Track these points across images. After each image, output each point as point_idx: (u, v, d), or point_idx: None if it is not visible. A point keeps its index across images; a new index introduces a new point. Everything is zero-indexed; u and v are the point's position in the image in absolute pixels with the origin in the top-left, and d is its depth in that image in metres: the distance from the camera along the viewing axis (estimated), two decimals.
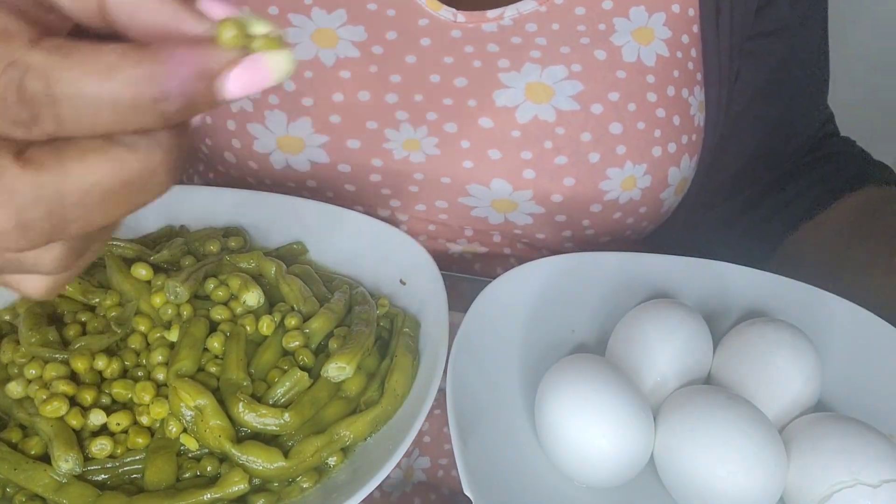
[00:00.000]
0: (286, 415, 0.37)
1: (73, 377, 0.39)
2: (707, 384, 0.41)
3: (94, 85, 0.21)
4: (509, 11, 0.53)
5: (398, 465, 0.44)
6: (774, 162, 0.63)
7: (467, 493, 0.34)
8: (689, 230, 0.63)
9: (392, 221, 0.55)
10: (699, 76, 0.56)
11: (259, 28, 0.23)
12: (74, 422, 0.37)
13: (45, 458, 0.36)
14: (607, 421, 0.36)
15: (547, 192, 0.52)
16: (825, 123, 0.65)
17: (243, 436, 0.38)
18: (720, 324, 0.45)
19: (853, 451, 0.35)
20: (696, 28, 0.56)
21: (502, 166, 0.52)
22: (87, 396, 0.38)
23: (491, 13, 0.53)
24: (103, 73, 0.21)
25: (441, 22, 0.53)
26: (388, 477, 0.35)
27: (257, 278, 0.45)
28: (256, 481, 0.37)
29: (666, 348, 0.40)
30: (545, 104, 0.51)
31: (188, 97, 0.22)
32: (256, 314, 0.42)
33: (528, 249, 0.58)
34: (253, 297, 0.43)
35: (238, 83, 0.22)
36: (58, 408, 0.37)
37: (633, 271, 0.47)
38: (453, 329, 0.41)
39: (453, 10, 0.53)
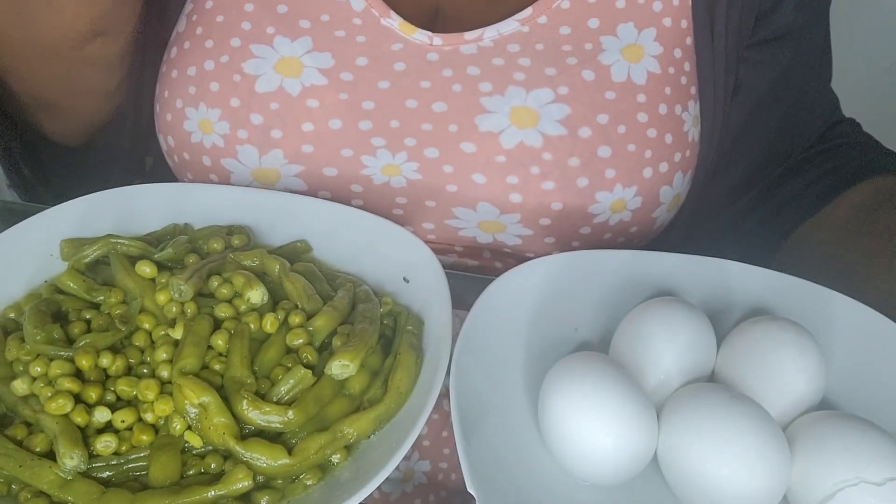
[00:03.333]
0: (290, 412, 0.38)
1: (78, 374, 0.39)
2: (710, 382, 0.41)
3: None
4: (489, 32, 0.51)
5: (398, 467, 0.44)
6: (779, 163, 0.62)
7: (471, 490, 0.34)
8: (693, 234, 0.62)
9: None
10: (693, 89, 0.54)
11: None
12: (79, 419, 0.37)
13: (50, 456, 0.37)
14: (610, 419, 0.36)
15: (535, 215, 0.51)
16: (831, 113, 0.63)
17: (247, 433, 0.38)
18: (724, 321, 0.45)
19: (857, 450, 0.35)
20: (689, 40, 0.54)
21: (487, 190, 0.50)
22: (92, 394, 0.38)
23: (469, 35, 0.51)
24: None
25: (416, 46, 0.51)
26: (387, 478, 0.35)
27: (261, 276, 0.45)
28: (260, 478, 0.37)
29: (669, 346, 0.40)
30: (531, 129, 0.49)
31: None
32: (260, 312, 0.42)
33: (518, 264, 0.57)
34: (257, 295, 0.43)
35: None
36: (63, 405, 0.37)
37: (637, 269, 0.47)
38: (456, 327, 0.41)
39: (429, 33, 0.51)
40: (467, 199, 0.51)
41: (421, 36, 0.51)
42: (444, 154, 0.50)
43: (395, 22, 0.52)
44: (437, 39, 0.51)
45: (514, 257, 0.56)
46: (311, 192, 0.52)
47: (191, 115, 0.52)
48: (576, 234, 0.52)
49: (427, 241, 0.54)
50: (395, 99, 0.51)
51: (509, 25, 0.51)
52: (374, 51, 0.51)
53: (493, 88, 0.50)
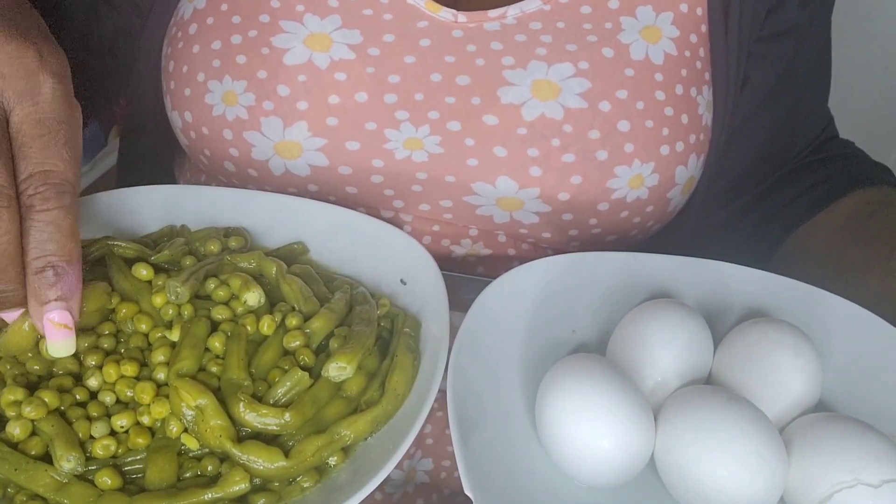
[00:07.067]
0: (287, 414, 0.37)
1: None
2: (708, 384, 0.41)
3: None
4: (512, 10, 0.53)
5: (400, 467, 0.44)
6: (776, 164, 0.63)
7: (468, 492, 0.34)
8: (692, 233, 0.63)
9: (396, 222, 0.55)
10: (707, 76, 0.56)
11: None
12: (81, 433, 0.37)
13: (46, 458, 0.36)
14: (608, 421, 0.36)
15: (554, 190, 0.52)
16: (827, 126, 0.65)
17: (244, 435, 0.38)
18: (721, 323, 0.45)
19: (854, 451, 0.35)
20: (704, 27, 0.56)
21: (508, 164, 0.51)
22: (96, 411, 0.38)
23: (493, 12, 0.53)
24: None
25: (441, 23, 0.53)
26: (389, 478, 0.35)
27: (258, 278, 0.45)
28: (257, 481, 0.37)
29: (666, 348, 0.40)
30: (552, 101, 0.51)
31: None
32: (257, 314, 0.42)
33: (533, 250, 0.57)
34: (254, 297, 0.43)
35: None
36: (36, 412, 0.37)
37: (634, 271, 0.47)
38: (454, 329, 0.41)
39: (454, 11, 0.53)
40: (487, 174, 0.52)
41: (446, 14, 0.53)
42: (466, 127, 0.52)
43: (420, 1, 0.53)
44: (462, 17, 0.53)
45: (529, 240, 0.57)
46: (333, 167, 0.52)
47: (214, 88, 0.53)
48: (593, 210, 0.53)
49: (442, 223, 0.55)
50: (420, 73, 0.52)
51: (532, 4, 0.53)
52: (401, 28, 0.53)
53: (516, 62, 0.52)
